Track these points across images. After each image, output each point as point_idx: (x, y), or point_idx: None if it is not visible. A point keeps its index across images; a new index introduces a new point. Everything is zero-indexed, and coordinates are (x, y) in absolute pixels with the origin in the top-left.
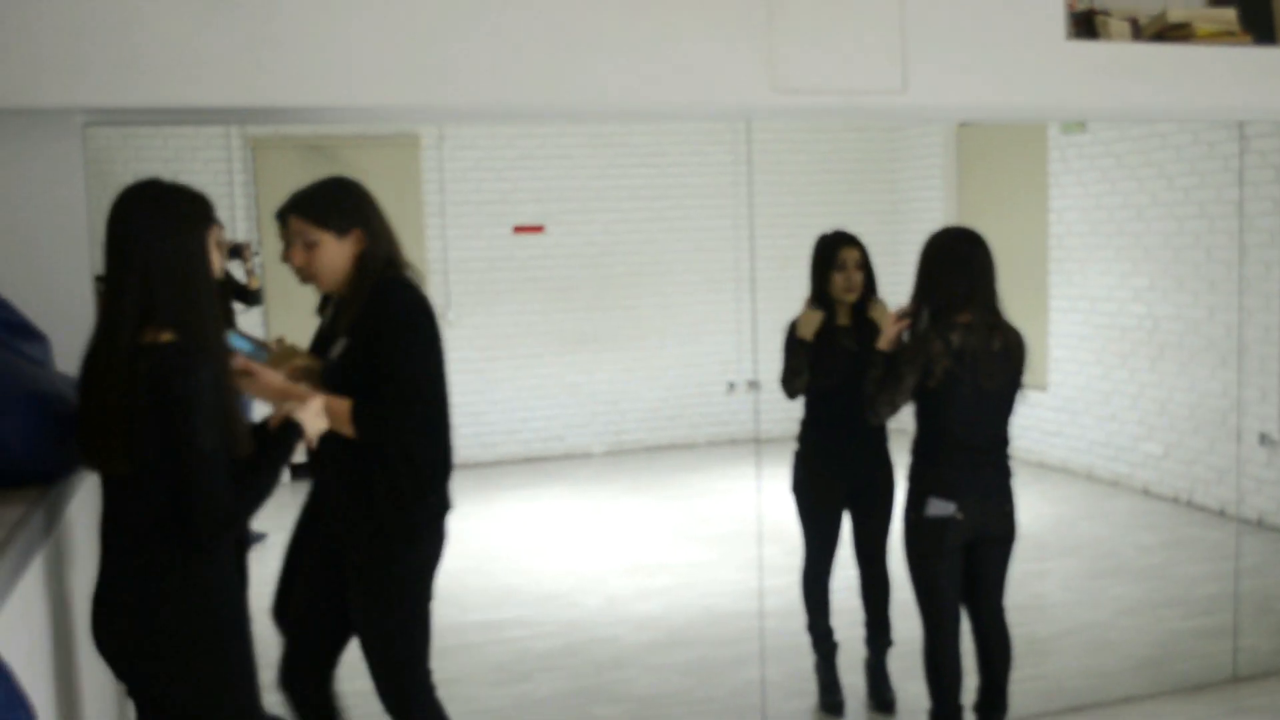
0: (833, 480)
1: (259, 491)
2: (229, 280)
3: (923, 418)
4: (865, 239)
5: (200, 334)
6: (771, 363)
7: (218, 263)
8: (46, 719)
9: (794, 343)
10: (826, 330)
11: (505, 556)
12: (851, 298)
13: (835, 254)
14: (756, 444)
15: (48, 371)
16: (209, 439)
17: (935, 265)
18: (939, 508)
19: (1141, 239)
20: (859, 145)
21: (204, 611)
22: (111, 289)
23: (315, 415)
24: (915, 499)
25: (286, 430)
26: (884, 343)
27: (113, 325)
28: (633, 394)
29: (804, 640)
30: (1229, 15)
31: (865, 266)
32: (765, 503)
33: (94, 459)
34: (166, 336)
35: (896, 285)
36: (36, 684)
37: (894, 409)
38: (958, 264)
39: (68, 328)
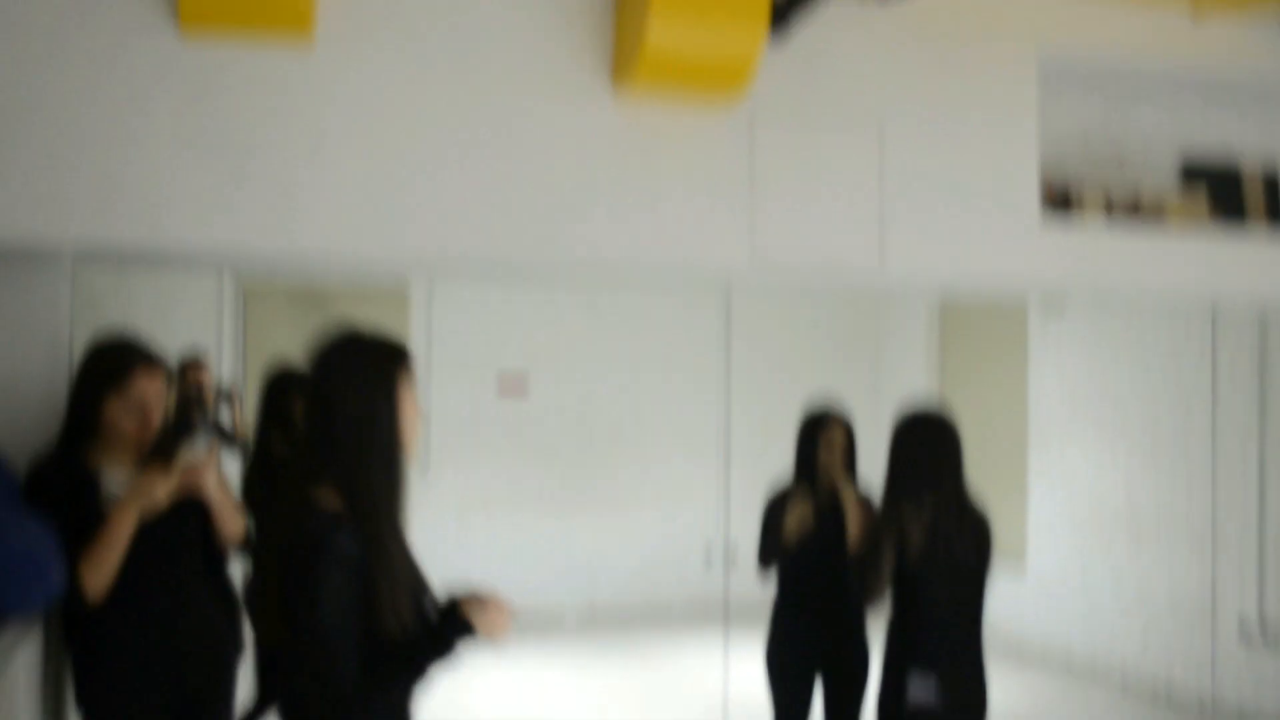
0: (804, 652)
1: (391, 682)
2: (218, 428)
3: (899, 597)
4: (847, 412)
5: (366, 501)
6: (747, 532)
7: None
8: None
9: (773, 522)
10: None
11: None
12: (834, 475)
13: (820, 431)
14: (725, 620)
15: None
16: (332, 614)
17: (904, 444)
18: (920, 693)
19: (1121, 423)
20: (843, 319)
21: None
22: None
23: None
24: (892, 684)
25: (454, 624)
26: (854, 545)
27: (289, 482)
28: (609, 557)
29: None
30: (1200, 199)
31: (847, 443)
32: (737, 675)
33: (257, 628)
34: (332, 502)
35: (878, 458)
36: None
37: (885, 580)
38: (925, 443)
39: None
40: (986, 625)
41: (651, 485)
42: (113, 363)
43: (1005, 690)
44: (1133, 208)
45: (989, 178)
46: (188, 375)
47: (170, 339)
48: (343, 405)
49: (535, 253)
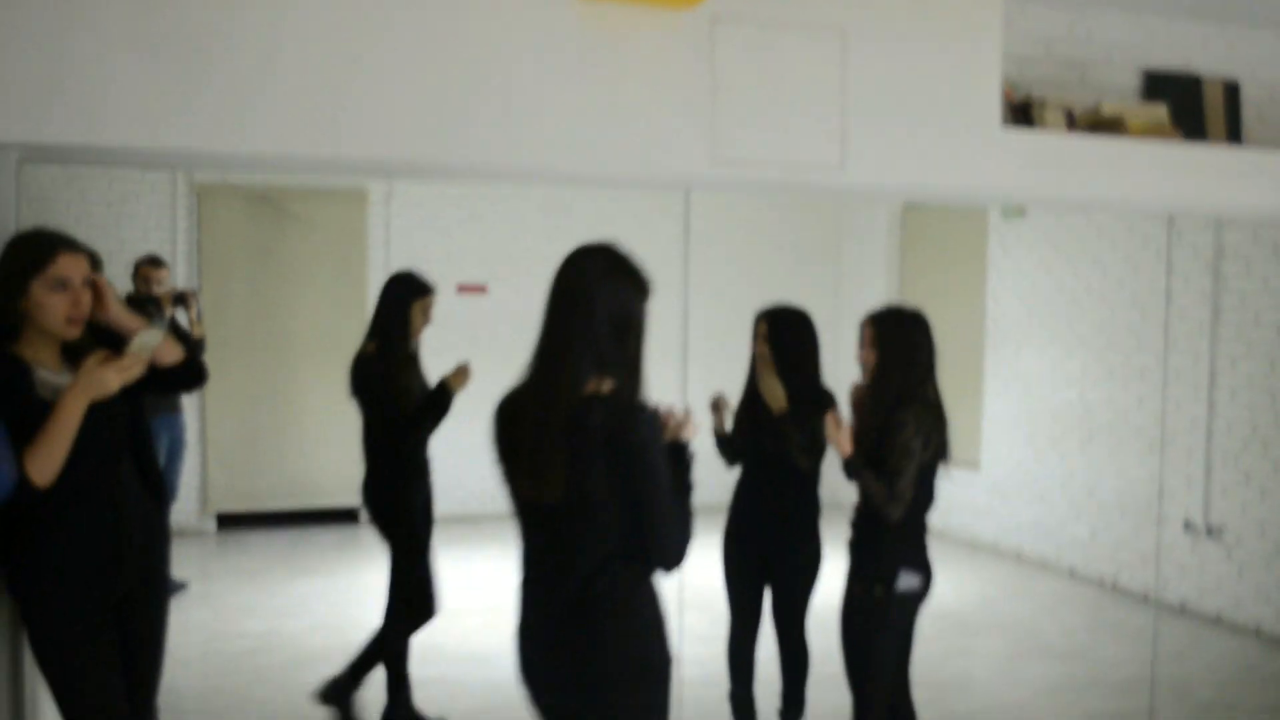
0: (754, 549)
1: (690, 518)
2: (175, 328)
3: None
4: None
5: (636, 388)
6: (703, 430)
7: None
8: None
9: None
10: (758, 400)
11: None
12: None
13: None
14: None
15: None
16: (666, 477)
17: (901, 341)
18: (909, 582)
19: (1075, 325)
20: (804, 222)
21: (645, 643)
22: (558, 337)
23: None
24: (885, 574)
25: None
26: (844, 448)
27: (557, 370)
28: None
29: (725, 709)
30: (1161, 111)
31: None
32: (695, 571)
33: (530, 487)
34: (608, 388)
35: (838, 360)
36: None
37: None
38: (924, 340)
39: None
40: (940, 519)
41: None
42: (34, 248)
43: (960, 582)
44: (1094, 119)
45: (951, 86)
46: (140, 272)
47: (124, 237)
48: (618, 307)
49: (491, 157)
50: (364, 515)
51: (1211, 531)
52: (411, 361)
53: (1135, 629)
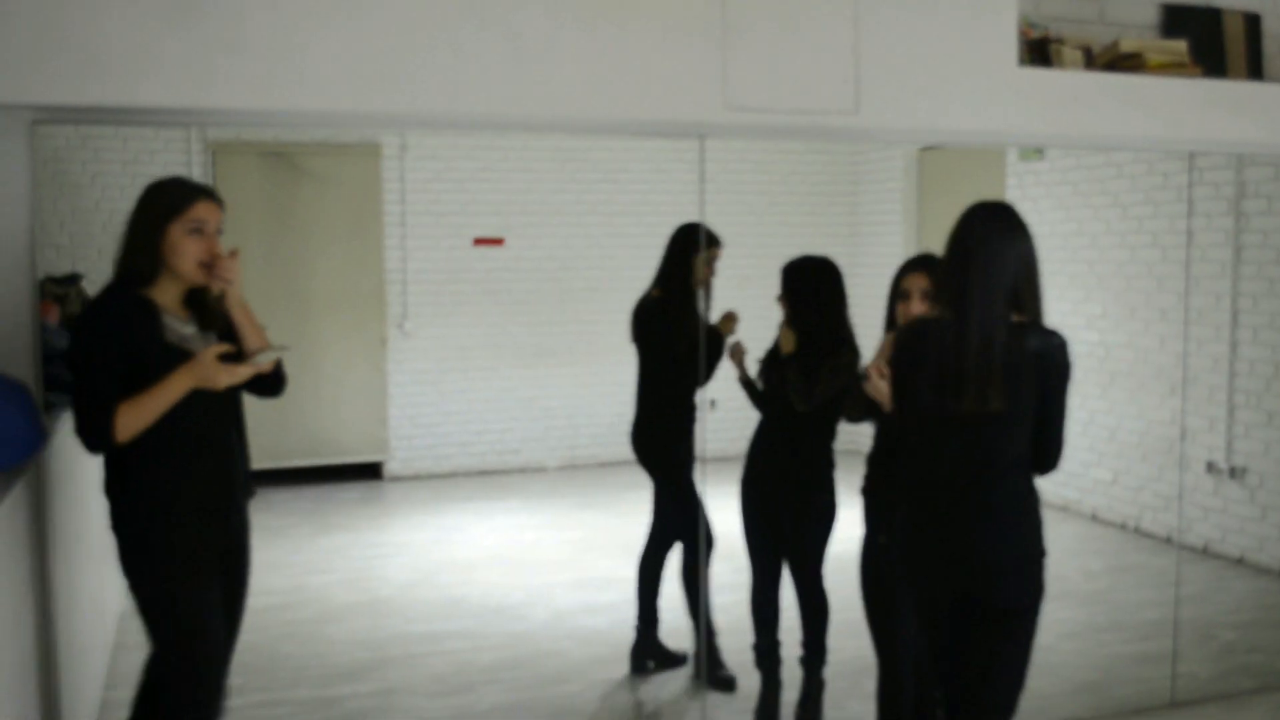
0: (768, 498)
1: None
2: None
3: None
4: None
5: (1040, 317)
6: (726, 381)
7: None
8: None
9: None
10: (776, 350)
11: (454, 569)
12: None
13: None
14: (703, 463)
15: None
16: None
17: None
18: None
19: (1095, 266)
20: (820, 167)
21: (1039, 533)
22: (983, 283)
23: None
24: (899, 522)
25: None
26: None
27: (992, 307)
28: (588, 409)
29: (749, 658)
30: (1180, 47)
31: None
32: (717, 521)
33: (976, 400)
34: (1020, 318)
35: (856, 306)
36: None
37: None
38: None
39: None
40: None
41: (629, 336)
42: (175, 192)
43: None
44: (1112, 57)
45: (966, 25)
46: None
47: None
48: (1025, 255)
49: (502, 108)
50: (390, 470)
51: (1234, 473)
52: (691, 309)
53: (1158, 571)
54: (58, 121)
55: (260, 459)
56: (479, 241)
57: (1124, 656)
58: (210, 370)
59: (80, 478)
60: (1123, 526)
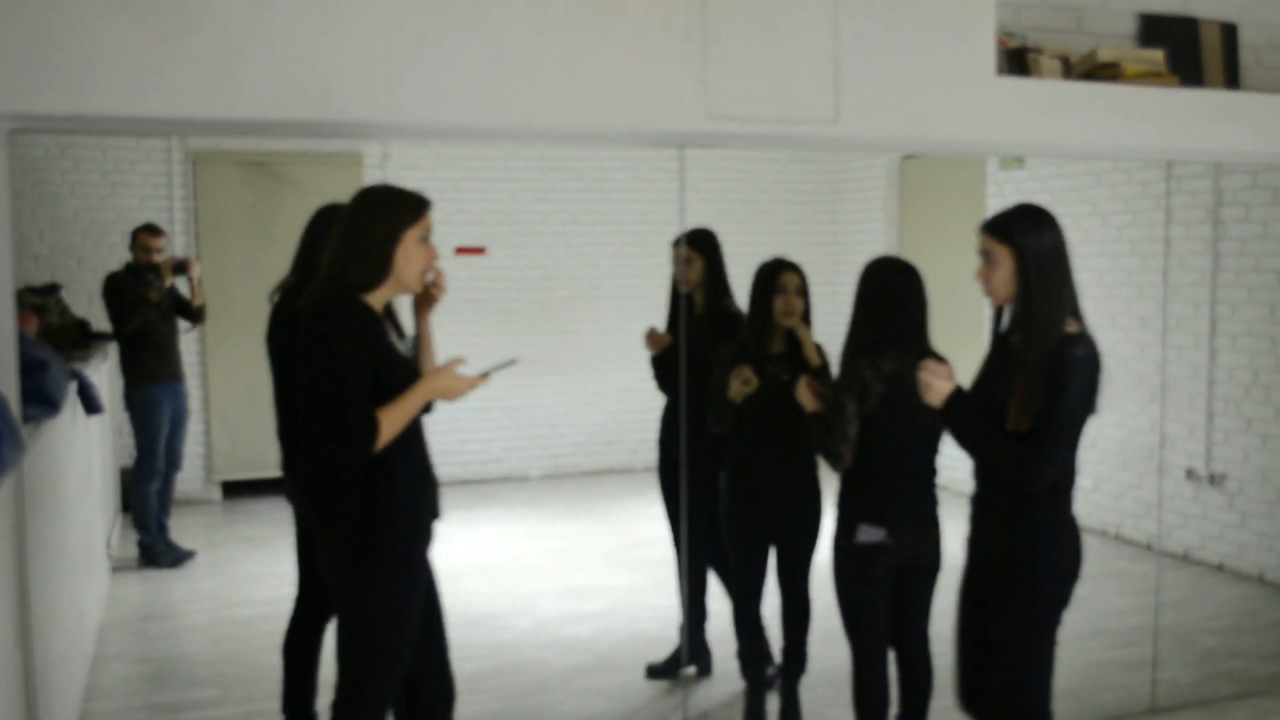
0: (758, 507)
1: None
2: (175, 297)
3: (856, 444)
4: (806, 268)
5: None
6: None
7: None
8: None
9: (722, 383)
10: (758, 358)
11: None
12: (790, 322)
13: (776, 279)
14: (683, 473)
15: None
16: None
17: (869, 294)
18: (869, 534)
19: (1075, 274)
20: (803, 175)
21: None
22: (1044, 293)
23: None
24: (845, 526)
25: None
26: (809, 404)
27: (1047, 317)
28: (571, 418)
29: (733, 666)
30: (1157, 57)
31: (804, 292)
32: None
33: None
34: (1075, 328)
35: (836, 314)
36: None
37: (850, 442)
38: (890, 293)
39: None
40: (943, 474)
41: (611, 345)
42: (410, 199)
43: (963, 535)
44: (1090, 66)
45: (944, 35)
46: (138, 241)
47: (120, 206)
48: (1058, 263)
49: (482, 117)
50: None
51: (1213, 479)
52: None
53: (1138, 578)
54: (36, 131)
55: (241, 469)
56: (461, 251)
57: (1104, 663)
58: (453, 381)
59: (59, 490)
60: (1103, 533)
